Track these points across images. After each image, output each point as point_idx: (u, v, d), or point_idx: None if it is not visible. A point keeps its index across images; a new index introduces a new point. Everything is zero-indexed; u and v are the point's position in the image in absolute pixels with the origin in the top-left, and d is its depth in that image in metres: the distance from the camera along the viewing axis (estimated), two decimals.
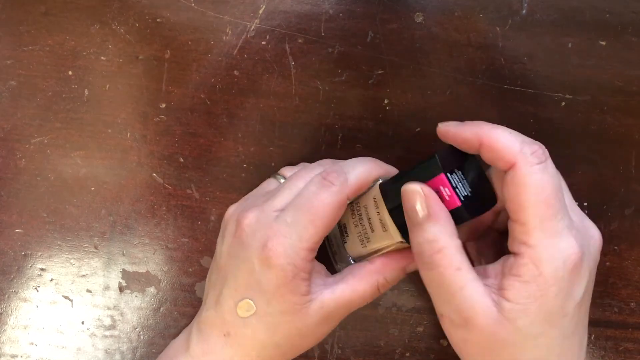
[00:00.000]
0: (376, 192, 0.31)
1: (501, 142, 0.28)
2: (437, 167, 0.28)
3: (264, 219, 0.31)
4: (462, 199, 0.28)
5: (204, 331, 0.33)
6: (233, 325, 0.31)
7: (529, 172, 0.27)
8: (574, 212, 0.29)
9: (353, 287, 0.32)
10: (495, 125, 0.29)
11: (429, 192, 0.28)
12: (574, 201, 0.30)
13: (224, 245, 0.33)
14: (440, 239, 0.28)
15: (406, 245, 0.30)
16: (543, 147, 0.28)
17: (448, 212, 0.28)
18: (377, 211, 0.31)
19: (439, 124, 0.30)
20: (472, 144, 0.28)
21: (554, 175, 0.28)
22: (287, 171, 0.35)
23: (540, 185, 0.27)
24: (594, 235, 0.30)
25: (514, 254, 0.28)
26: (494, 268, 0.29)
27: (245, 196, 0.35)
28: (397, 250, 0.32)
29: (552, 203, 0.27)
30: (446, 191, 0.28)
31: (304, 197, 0.31)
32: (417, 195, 0.28)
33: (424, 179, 0.28)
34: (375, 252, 0.32)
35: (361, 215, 0.32)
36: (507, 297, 0.27)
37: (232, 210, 0.34)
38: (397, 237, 0.30)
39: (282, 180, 0.34)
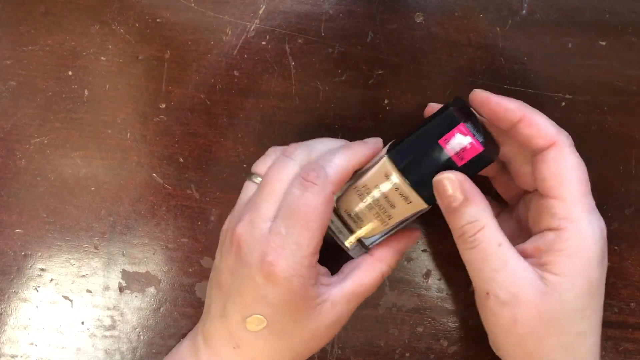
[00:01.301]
0: (386, 168, 0.30)
1: (543, 121, 0.29)
2: (454, 118, 0.29)
3: (257, 233, 0.30)
4: (483, 144, 0.29)
5: (211, 342, 0.32)
6: (242, 338, 0.31)
7: (569, 151, 0.29)
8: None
9: (360, 280, 0.32)
10: (513, 105, 0.30)
11: (461, 177, 0.29)
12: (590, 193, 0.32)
13: (222, 262, 0.32)
14: (481, 218, 0.29)
15: (428, 208, 0.31)
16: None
17: (481, 193, 0.29)
18: (395, 187, 0.30)
19: (476, 90, 0.31)
20: (511, 117, 0.30)
21: (582, 162, 0.30)
22: (259, 167, 0.33)
23: (579, 163, 0.29)
24: None
25: (554, 229, 0.29)
26: (529, 246, 0.30)
27: (234, 207, 0.34)
28: (393, 235, 0.33)
29: (587, 181, 0.29)
30: (467, 139, 0.29)
31: (291, 203, 0.30)
32: (451, 182, 0.29)
33: (442, 131, 0.29)
34: (400, 224, 0.32)
35: (374, 196, 0.31)
36: (553, 271, 0.28)
37: (226, 225, 0.33)
38: (422, 204, 0.30)
39: (258, 179, 0.33)
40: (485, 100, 0.30)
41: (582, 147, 0.37)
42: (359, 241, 0.33)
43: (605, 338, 0.37)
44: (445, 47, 0.38)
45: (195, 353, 0.33)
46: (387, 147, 0.31)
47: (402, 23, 0.38)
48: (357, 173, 0.32)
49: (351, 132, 0.38)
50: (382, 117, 0.38)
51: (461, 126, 0.28)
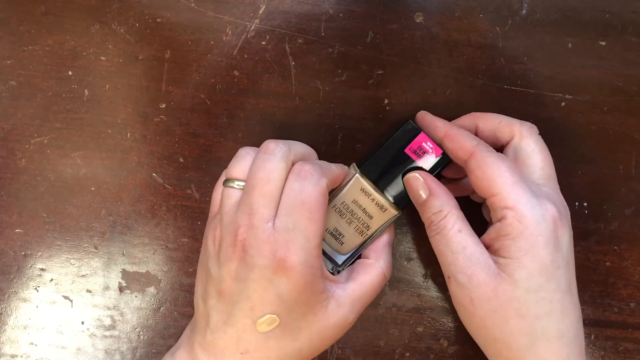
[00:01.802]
0: (361, 183, 0.33)
1: (461, 135, 0.33)
2: (415, 129, 0.33)
3: (261, 235, 0.30)
4: (441, 147, 0.33)
5: (215, 352, 0.32)
6: (252, 342, 0.31)
7: (486, 155, 0.32)
8: (547, 185, 0.33)
9: (363, 281, 0.33)
10: (486, 115, 0.35)
11: (425, 175, 0.33)
12: (551, 178, 0.34)
13: (223, 270, 0.31)
14: (444, 208, 0.32)
15: (399, 214, 0.34)
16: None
17: (446, 188, 0.33)
18: (371, 198, 0.33)
19: (421, 111, 0.36)
20: (439, 134, 0.33)
21: (504, 158, 0.32)
22: (236, 171, 0.33)
23: (498, 158, 0.31)
24: (565, 206, 0.33)
25: (499, 220, 0.31)
26: (486, 238, 0.32)
27: (212, 217, 0.34)
28: (381, 234, 0.34)
29: (513, 172, 0.31)
30: (428, 144, 0.33)
31: (292, 198, 0.31)
32: (417, 180, 0.33)
33: (406, 142, 0.33)
34: (374, 233, 0.34)
35: (352, 210, 0.34)
36: (503, 254, 0.31)
37: (210, 236, 0.33)
38: (395, 210, 0.34)
39: (240, 184, 0.32)
40: (421, 117, 0.35)
41: (582, 147, 0.38)
42: (332, 261, 0.35)
43: (605, 338, 0.37)
44: (445, 47, 0.38)
45: None
46: (352, 166, 0.34)
47: (402, 23, 0.38)
48: (332, 194, 0.34)
49: (351, 132, 0.38)
50: (382, 117, 0.38)
51: (422, 135, 0.33)
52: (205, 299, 0.33)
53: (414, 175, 0.33)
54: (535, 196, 0.31)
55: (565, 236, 0.31)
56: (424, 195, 0.33)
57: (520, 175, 0.32)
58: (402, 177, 0.33)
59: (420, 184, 0.33)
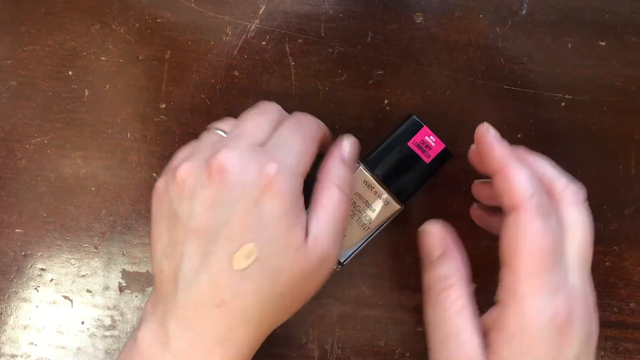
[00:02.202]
0: (364, 175, 0.33)
1: (519, 178, 0.27)
2: (418, 123, 0.33)
3: (247, 154, 0.28)
4: (444, 141, 0.33)
5: (185, 318, 0.28)
6: (228, 287, 0.27)
7: (533, 219, 0.26)
8: (577, 272, 0.28)
9: (325, 205, 0.30)
10: (530, 158, 0.29)
11: (444, 232, 0.30)
12: (585, 262, 0.29)
13: (195, 203, 0.28)
14: (452, 276, 0.28)
15: (402, 208, 0.34)
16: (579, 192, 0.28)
17: (463, 254, 0.29)
18: (374, 191, 0.33)
19: (485, 123, 0.30)
20: (492, 165, 0.28)
21: (555, 230, 0.27)
22: (221, 125, 0.32)
23: (542, 235, 0.26)
24: (587, 302, 0.28)
25: (500, 303, 0.27)
26: (485, 318, 0.28)
27: (181, 154, 0.31)
28: (329, 151, 0.32)
29: (548, 256, 0.26)
30: (431, 139, 0.33)
31: (289, 126, 0.30)
32: (431, 237, 0.30)
33: (408, 136, 0.33)
34: (377, 229, 0.34)
35: (355, 203, 0.34)
36: (494, 351, 0.26)
37: (164, 181, 0.30)
38: (397, 205, 0.34)
39: (222, 133, 0.31)
40: (483, 133, 0.29)
41: (582, 147, 0.38)
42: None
43: (605, 338, 0.37)
44: (445, 47, 0.38)
45: (162, 339, 0.28)
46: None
47: (402, 23, 0.38)
48: None
49: (351, 132, 0.38)
50: (382, 117, 0.38)
51: (425, 128, 0.33)
52: (172, 251, 0.29)
53: (429, 229, 0.30)
54: (552, 291, 0.26)
55: (573, 346, 0.26)
56: (435, 254, 0.29)
57: (554, 260, 0.27)
58: (405, 172, 0.33)
59: (437, 241, 0.29)
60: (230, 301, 0.28)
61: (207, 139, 0.31)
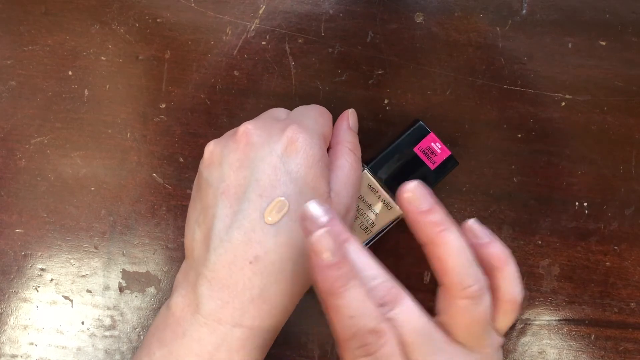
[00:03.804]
0: (369, 179, 0.34)
1: (449, 265, 0.27)
2: (425, 129, 0.33)
3: (269, 122, 0.30)
4: (449, 149, 0.33)
5: (218, 279, 0.28)
6: (262, 242, 0.28)
7: (463, 308, 0.27)
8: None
9: (341, 165, 0.31)
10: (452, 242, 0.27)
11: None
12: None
13: (224, 167, 0.29)
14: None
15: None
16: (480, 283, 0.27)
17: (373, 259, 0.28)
18: (378, 195, 0.34)
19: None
20: (420, 237, 0.28)
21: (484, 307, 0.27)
22: None
23: (469, 317, 0.27)
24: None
25: (437, 314, 0.28)
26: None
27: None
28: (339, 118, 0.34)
29: (478, 328, 0.28)
30: (437, 145, 0.33)
31: (301, 107, 0.33)
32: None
33: (414, 142, 0.33)
34: (379, 233, 0.34)
35: (358, 206, 0.34)
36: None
37: (213, 142, 0.31)
38: (400, 210, 0.32)
39: None
40: (408, 202, 0.27)
41: (582, 147, 0.38)
42: None
43: (605, 338, 0.37)
44: (445, 47, 0.38)
45: (192, 304, 0.28)
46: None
47: (402, 23, 0.38)
48: None
49: None
50: (382, 117, 0.38)
51: (431, 135, 0.33)
52: (204, 217, 0.29)
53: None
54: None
55: None
56: (327, 257, 0.25)
57: (483, 329, 0.28)
58: (409, 177, 0.33)
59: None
60: (264, 256, 0.28)
61: (229, 131, 0.33)
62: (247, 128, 0.30)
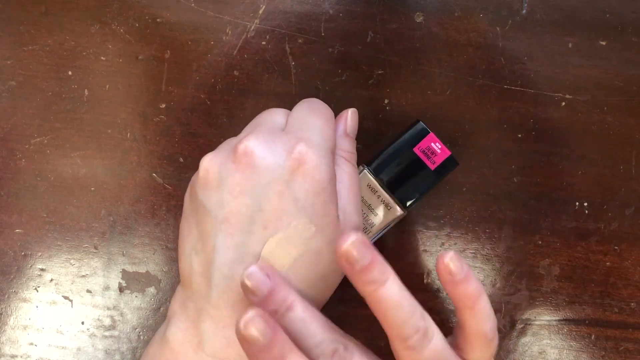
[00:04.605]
0: (369, 179, 0.34)
1: (390, 324, 0.27)
2: (425, 129, 0.33)
3: (271, 136, 0.27)
4: (449, 149, 0.33)
5: (222, 315, 0.26)
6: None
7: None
8: None
9: (342, 181, 0.29)
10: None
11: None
12: None
13: (223, 191, 0.27)
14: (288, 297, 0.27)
15: (405, 213, 0.34)
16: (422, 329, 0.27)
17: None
18: (377, 195, 0.33)
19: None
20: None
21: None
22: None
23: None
24: None
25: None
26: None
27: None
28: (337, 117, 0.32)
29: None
30: (437, 145, 0.33)
31: (303, 109, 0.29)
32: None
33: (414, 142, 0.33)
34: (378, 233, 0.34)
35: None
36: None
37: (209, 157, 0.29)
38: (400, 210, 0.34)
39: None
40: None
41: (582, 147, 0.38)
42: None
43: (605, 338, 0.37)
44: (445, 47, 0.38)
45: (194, 339, 0.27)
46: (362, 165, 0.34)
47: (402, 23, 0.38)
48: None
49: None
50: (382, 117, 0.38)
51: (431, 135, 0.33)
52: (202, 246, 0.27)
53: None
54: None
55: None
56: (258, 341, 0.23)
57: None
58: (409, 177, 0.33)
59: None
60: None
61: (226, 141, 0.30)
62: (247, 146, 0.27)
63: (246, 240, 0.26)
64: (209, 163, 0.28)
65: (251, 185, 0.26)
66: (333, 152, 0.29)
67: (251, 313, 0.23)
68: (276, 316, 0.25)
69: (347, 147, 0.31)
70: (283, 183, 0.26)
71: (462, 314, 0.28)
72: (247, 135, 0.28)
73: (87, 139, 0.38)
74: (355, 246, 0.25)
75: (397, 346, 0.27)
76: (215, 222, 0.27)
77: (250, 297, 0.25)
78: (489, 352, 0.29)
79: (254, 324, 0.23)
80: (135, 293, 0.38)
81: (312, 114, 0.30)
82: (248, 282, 0.25)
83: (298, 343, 0.24)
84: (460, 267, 0.27)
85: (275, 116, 0.30)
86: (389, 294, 0.26)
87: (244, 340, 0.23)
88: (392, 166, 0.33)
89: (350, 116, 0.32)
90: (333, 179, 0.28)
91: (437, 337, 0.27)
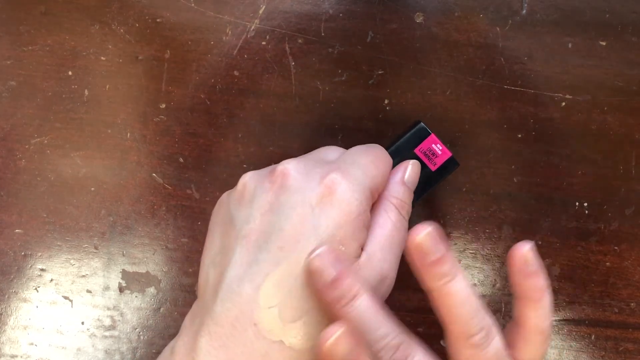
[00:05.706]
0: None
1: (456, 319, 0.27)
2: (426, 131, 0.33)
3: (311, 164, 0.27)
4: (450, 150, 0.33)
5: (219, 333, 0.26)
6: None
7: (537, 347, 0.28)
8: None
9: (382, 226, 0.28)
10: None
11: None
12: None
13: (253, 207, 0.26)
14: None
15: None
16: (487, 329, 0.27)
17: None
18: None
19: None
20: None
21: None
22: None
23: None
24: None
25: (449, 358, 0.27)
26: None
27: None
28: (392, 170, 0.31)
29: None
30: (438, 147, 0.33)
31: (357, 148, 0.29)
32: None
33: (415, 144, 0.33)
34: None
35: None
36: None
37: (250, 174, 0.29)
38: None
39: None
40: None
41: (582, 147, 0.38)
42: None
43: (605, 338, 0.37)
44: (445, 47, 0.38)
45: (192, 357, 0.26)
46: None
47: (402, 23, 0.38)
48: None
49: (351, 132, 0.38)
50: (382, 117, 0.38)
51: (432, 136, 0.33)
52: (221, 259, 0.27)
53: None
54: None
55: None
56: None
57: None
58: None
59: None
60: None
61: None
62: (286, 168, 0.27)
63: (260, 258, 0.26)
64: (248, 179, 0.28)
65: (279, 204, 0.26)
66: (373, 192, 0.28)
67: (340, 330, 0.23)
68: (341, 304, 0.25)
69: (399, 195, 0.30)
70: (309, 207, 0.26)
71: (524, 307, 0.28)
72: (290, 159, 0.28)
73: (87, 139, 0.38)
74: (430, 237, 0.25)
75: (459, 344, 0.26)
76: (238, 236, 0.27)
77: (316, 280, 0.24)
78: (543, 350, 0.28)
79: (342, 343, 0.23)
80: (135, 293, 0.38)
81: (363, 153, 0.29)
82: (316, 262, 0.24)
83: (361, 334, 0.24)
84: (535, 260, 0.27)
85: (328, 151, 0.30)
86: (457, 289, 0.26)
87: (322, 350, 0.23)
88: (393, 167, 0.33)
89: (410, 167, 0.31)
90: (362, 215, 0.27)
91: (498, 337, 0.27)
